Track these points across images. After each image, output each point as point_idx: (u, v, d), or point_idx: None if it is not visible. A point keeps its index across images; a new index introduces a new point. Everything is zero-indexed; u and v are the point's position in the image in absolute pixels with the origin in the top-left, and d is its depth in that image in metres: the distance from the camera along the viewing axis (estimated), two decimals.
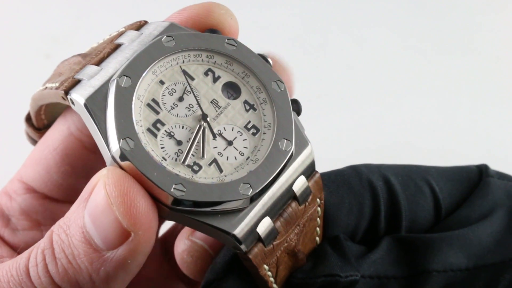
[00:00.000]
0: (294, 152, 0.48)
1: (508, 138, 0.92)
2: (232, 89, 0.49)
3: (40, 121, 0.57)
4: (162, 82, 0.48)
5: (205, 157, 0.46)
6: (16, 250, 0.55)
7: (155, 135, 0.46)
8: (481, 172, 0.56)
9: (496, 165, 0.58)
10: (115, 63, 0.47)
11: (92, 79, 0.47)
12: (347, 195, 0.51)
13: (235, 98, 0.49)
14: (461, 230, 0.53)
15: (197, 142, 0.47)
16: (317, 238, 0.51)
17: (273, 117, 0.48)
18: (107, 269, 0.44)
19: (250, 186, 0.46)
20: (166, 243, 0.61)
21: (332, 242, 0.51)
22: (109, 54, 0.48)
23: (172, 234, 0.62)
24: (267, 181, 0.46)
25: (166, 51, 0.48)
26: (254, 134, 0.48)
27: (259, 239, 0.47)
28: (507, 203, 0.55)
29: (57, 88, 0.48)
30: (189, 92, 0.48)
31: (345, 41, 1.02)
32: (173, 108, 0.47)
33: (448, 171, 0.55)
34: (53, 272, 0.45)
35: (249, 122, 0.48)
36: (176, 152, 0.46)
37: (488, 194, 0.55)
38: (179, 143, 0.46)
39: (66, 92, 0.47)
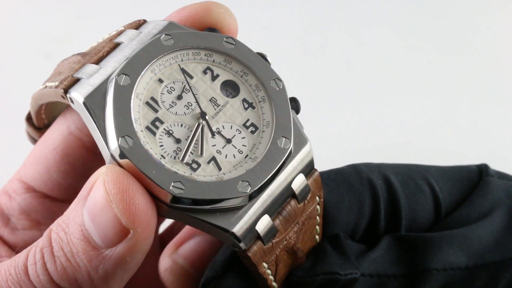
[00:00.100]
0: (292, 150, 0.48)
1: (508, 138, 0.92)
2: (230, 88, 0.49)
3: (40, 121, 0.57)
4: (161, 81, 0.48)
5: (203, 155, 0.46)
6: (15, 249, 0.55)
7: (154, 133, 0.46)
8: (481, 172, 0.56)
9: (496, 165, 0.58)
10: (114, 62, 0.48)
11: (91, 77, 0.47)
12: (347, 193, 0.51)
13: (233, 97, 0.49)
14: (461, 229, 0.53)
15: (196, 140, 0.47)
16: (317, 237, 0.51)
17: (272, 115, 0.48)
18: (106, 267, 0.44)
19: (249, 184, 0.46)
20: (164, 242, 0.61)
21: (332, 241, 0.51)
22: (108, 53, 0.48)
23: (170, 233, 0.62)
24: (266, 179, 0.46)
25: (164, 50, 0.48)
26: (252, 132, 0.48)
27: (258, 237, 0.47)
28: (507, 202, 0.55)
29: (56, 87, 0.48)
30: (187, 91, 0.48)
31: (345, 41, 1.02)
32: (172, 106, 0.47)
33: (448, 171, 0.55)
34: (52, 270, 0.45)
35: (248, 120, 0.48)
36: (175, 150, 0.46)
37: (488, 193, 0.55)
38: (177, 141, 0.46)
39: (66, 91, 0.47)
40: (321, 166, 0.50)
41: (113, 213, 0.43)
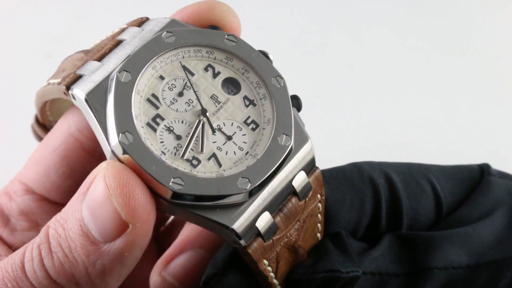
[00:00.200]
0: (293, 147, 0.48)
1: (509, 137, 0.92)
2: (232, 85, 0.49)
3: (46, 118, 0.57)
4: (162, 77, 0.48)
5: (204, 152, 0.47)
6: (14, 250, 0.55)
7: (155, 130, 0.46)
8: (483, 171, 0.56)
9: (497, 165, 0.58)
10: (116, 59, 0.48)
11: (93, 74, 0.47)
12: (348, 191, 0.51)
13: (235, 94, 0.49)
14: (462, 228, 0.53)
15: (196, 137, 0.47)
16: (318, 235, 0.51)
17: (273, 112, 0.48)
18: (103, 262, 0.44)
19: (249, 181, 0.46)
20: (161, 244, 0.61)
21: (333, 238, 0.51)
22: (110, 50, 0.49)
23: (168, 236, 0.62)
24: (266, 176, 0.46)
25: (166, 47, 0.48)
26: (253, 129, 0.48)
27: (258, 233, 0.46)
28: (508, 202, 0.55)
29: (59, 83, 0.48)
30: (188, 88, 0.48)
31: (345, 41, 1.02)
32: (173, 103, 0.47)
33: (449, 170, 0.55)
34: (49, 266, 0.45)
35: (249, 117, 0.48)
36: (175, 147, 0.46)
37: (489, 193, 0.55)
38: (178, 137, 0.46)
39: (68, 87, 0.47)
40: (322, 165, 0.50)
41: (113, 207, 0.43)
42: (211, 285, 0.49)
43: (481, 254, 0.53)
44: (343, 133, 0.93)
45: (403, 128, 0.93)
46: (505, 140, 0.92)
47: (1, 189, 0.57)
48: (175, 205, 0.45)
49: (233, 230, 0.45)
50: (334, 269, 0.49)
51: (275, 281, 0.49)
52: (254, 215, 0.46)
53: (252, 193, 0.46)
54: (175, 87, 0.48)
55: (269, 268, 0.48)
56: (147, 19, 0.51)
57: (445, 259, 0.52)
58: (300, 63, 0.98)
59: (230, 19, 0.51)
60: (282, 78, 0.49)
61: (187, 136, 0.47)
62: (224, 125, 0.48)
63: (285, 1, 1.07)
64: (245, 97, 0.49)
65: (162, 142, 0.46)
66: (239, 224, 0.45)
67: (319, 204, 0.50)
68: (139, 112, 0.46)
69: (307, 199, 0.49)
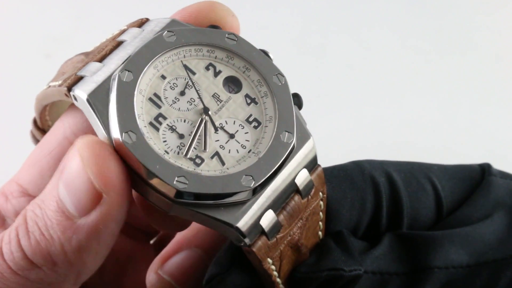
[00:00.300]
0: (295, 144, 0.48)
1: (509, 137, 0.92)
2: (233, 83, 0.49)
3: (45, 122, 0.57)
4: (163, 77, 0.48)
5: (207, 150, 0.47)
6: None
7: (157, 129, 0.46)
8: (484, 171, 0.56)
9: (498, 165, 0.58)
10: (117, 59, 0.48)
11: (95, 75, 0.47)
12: (349, 190, 0.51)
13: (236, 92, 0.49)
14: (463, 228, 0.53)
15: (199, 136, 0.47)
16: (320, 233, 0.51)
17: (274, 110, 0.48)
18: (79, 237, 0.44)
19: (252, 178, 0.46)
20: (159, 248, 0.61)
21: (335, 237, 0.51)
22: (111, 51, 0.49)
23: (166, 239, 0.62)
24: (269, 173, 0.46)
25: (167, 46, 0.48)
26: (255, 127, 0.48)
27: (262, 232, 0.46)
28: (509, 202, 0.55)
29: (60, 85, 0.48)
30: (190, 87, 0.48)
31: (345, 41, 1.02)
32: (175, 102, 0.47)
33: (450, 169, 0.55)
34: (25, 245, 0.45)
35: (251, 115, 0.48)
36: (178, 146, 0.46)
37: (490, 193, 0.55)
38: (181, 136, 0.47)
39: (69, 89, 0.47)
40: (322, 165, 0.50)
41: (87, 177, 0.43)
42: (214, 284, 0.49)
43: (481, 253, 0.53)
44: (343, 133, 0.93)
45: (403, 128, 0.93)
46: (506, 140, 0.92)
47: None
48: (179, 204, 0.45)
49: (237, 228, 0.45)
50: (337, 268, 0.49)
51: (278, 280, 0.49)
52: (258, 213, 0.46)
53: (256, 191, 0.46)
54: (177, 86, 0.48)
55: (273, 267, 0.48)
56: (147, 20, 0.51)
57: (446, 258, 0.52)
58: (300, 63, 0.98)
59: (230, 19, 0.51)
60: (283, 76, 0.49)
61: (189, 135, 0.47)
62: (226, 123, 0.48)
63: (285, 1, 1.07)
64: (247, 95, 0.49)
65: (165, 141, 0.46)
66: (243, 223, 0.45)
67: (321, 202, 0.50)
68: (142, 111, 0.46)
69: (309, 197, 0.49)
